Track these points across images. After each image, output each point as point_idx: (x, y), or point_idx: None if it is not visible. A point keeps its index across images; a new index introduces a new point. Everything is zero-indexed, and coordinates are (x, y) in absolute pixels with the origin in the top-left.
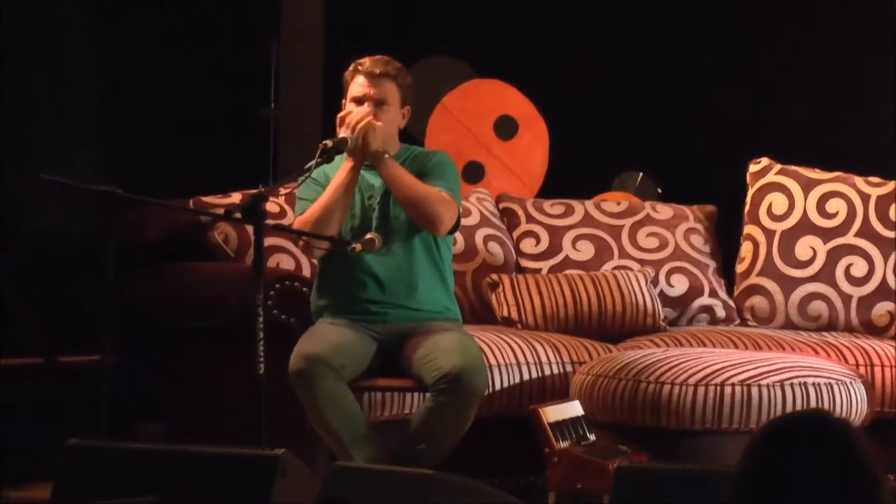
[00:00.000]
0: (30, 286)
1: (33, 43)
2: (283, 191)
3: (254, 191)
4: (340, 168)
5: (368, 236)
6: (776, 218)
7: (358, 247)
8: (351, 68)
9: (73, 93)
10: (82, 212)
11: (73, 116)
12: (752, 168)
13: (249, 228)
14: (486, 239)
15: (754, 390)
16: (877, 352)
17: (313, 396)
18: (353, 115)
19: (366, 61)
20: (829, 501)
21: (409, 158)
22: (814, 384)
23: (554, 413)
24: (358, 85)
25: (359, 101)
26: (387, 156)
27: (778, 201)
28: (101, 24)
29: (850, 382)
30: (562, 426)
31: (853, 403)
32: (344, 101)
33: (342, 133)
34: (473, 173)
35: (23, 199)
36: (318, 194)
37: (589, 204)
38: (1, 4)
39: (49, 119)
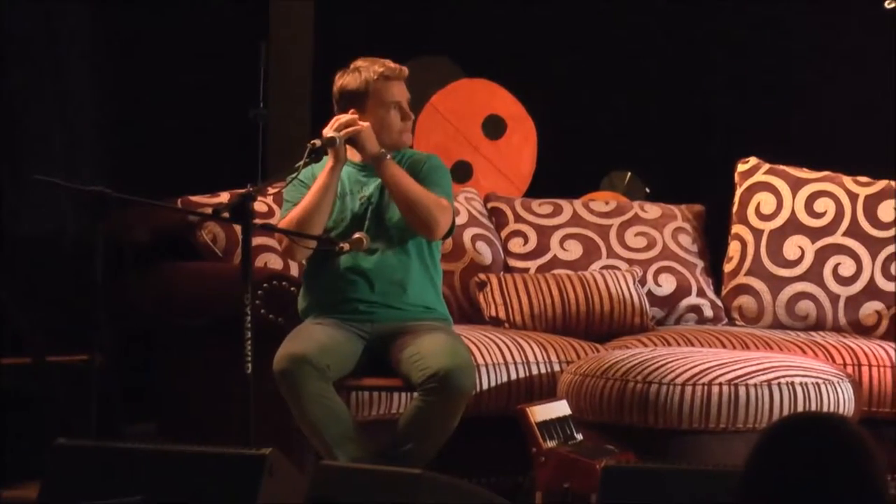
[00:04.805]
0: (20, 286)
1: (30, 45)
2: (271, 190)
3: (242, 190)
4: (323, 169)
5: (356, 235)
6: (764, 217)
7: (346, 246)
8: (381, 72)
9: (66, 95)
10: (73, 212)
11: (66, 119)
12: (741, 167)
13: (237, 228)
14: (474, 238)
15: (742, 390)
16: (864, 351)
17: (298, 396)
18: (340, 119)
19: (396, 67)
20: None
21: (401, 161)
22: (801, 384)
23: (541, 412)
24: (400, 91)
25: (401, 105)
26: (388, 157)
27: (766, 201)
28: (96, 27)
29: (838, 382)
30: (549, 426)
31: (841, 403)
32: (361, 107)
33: (329, 132)
34: (462, 173)
35: (14, 200)
36: (303, 196)
37: (577, 203)
38: (1, 8)
39: (42, 121)
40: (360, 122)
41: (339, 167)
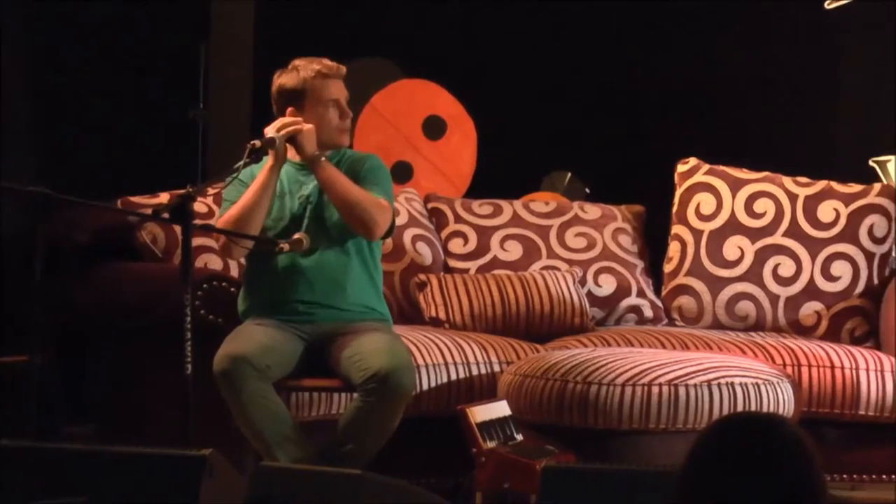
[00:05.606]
0: None
1: None
2: (210, 191)
3: (182, 191)
4: (261, 169)
5: (296, 236)
6: (704, 218)
7: (285, 246)
8: (318, 69)
9: (3, 95)
10: (11, 213)
11: (4, 119)
12: (680, 168)
13: (177, 228)
14: (415, 239)
15: (682, 390)
16: (804, 352)
17: (237, 397)
18: (283, 121)
19: (333, 65)
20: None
21: (341, 161)
22: (741, 384)
23: (481, 413)
24: (338, 88)
25: (339, 103)
26: (323, 159)
27: (706, 201)
28: (33, 26)
29: (778, 382)
30: (489, 426)
31: (780, 403)
32: (299, 105)
33: (270, 132)
34: (402, 173)
35: None
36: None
37: (517, 204)
38: None
39: None
40: (304, 125)
41: (278, 167)
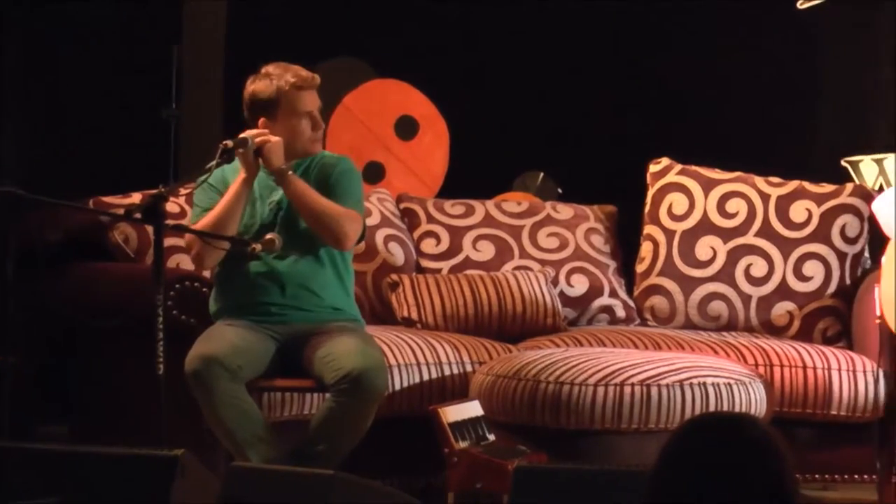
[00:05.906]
0: None
1: None
2: (183, 191)
3: (154, 191)
4: (234, 181)
5: (269, 237)
6: (676, 218)
7: (258, 247)
8: (293, 82)
9: None
10: None
11: None
12: (653, 168)
13: (149, 229)
14: (387, 239)
15: (654, 390)
16: (776, 352)
17: (209, 397)
18: (248, 132)
19: (308, 75)
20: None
21: (312, 164)
22: (713, 384)
23: (453, 413)
24: (311, 100)
25: (312, 115)
26: (290, 173)
27: (678, 201)
28: (4, 25)
29: (750, 382)
30: (461, 426)
31: (752, 403)
32: (271, 115)
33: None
34: (374, 173)
35: None
36: (212, 201)
37: (489, 204)
38: None
39: None
40: (271, 137)
41: (251, 179)
